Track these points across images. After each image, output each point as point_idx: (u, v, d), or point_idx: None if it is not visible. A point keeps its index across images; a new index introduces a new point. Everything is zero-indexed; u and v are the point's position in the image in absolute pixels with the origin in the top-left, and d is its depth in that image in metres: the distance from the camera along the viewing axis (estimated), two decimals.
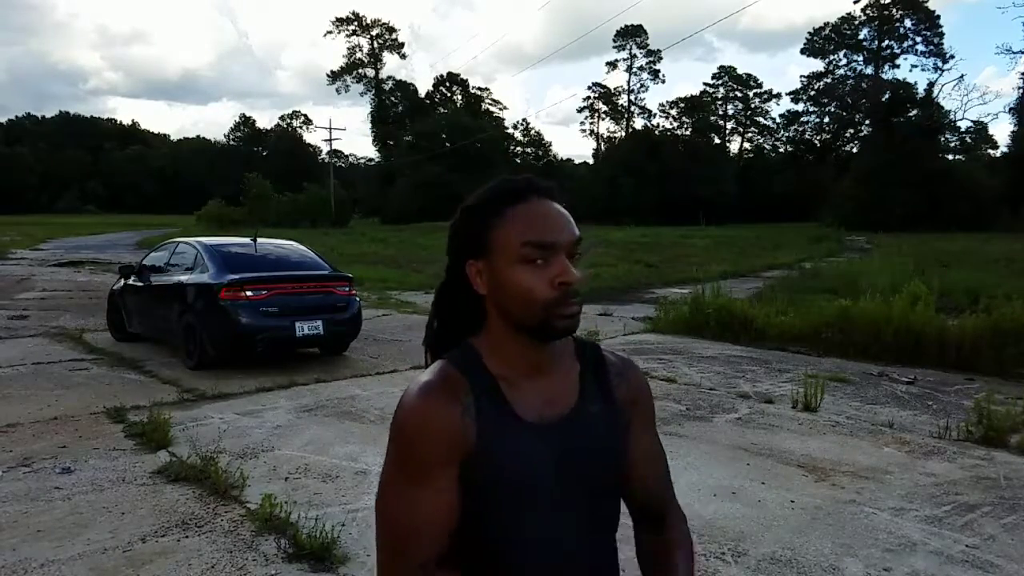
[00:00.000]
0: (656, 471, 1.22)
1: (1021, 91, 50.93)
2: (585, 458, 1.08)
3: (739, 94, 78.94)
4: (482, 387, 1.05)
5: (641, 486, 1.20)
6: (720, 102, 79.38)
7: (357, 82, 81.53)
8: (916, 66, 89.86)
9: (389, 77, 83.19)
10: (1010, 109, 52.36)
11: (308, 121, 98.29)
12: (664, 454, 1.25)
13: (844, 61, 68.20)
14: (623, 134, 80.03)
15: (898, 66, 65.16)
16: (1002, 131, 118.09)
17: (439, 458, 1.00)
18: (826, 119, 73.26)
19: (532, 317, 1.02)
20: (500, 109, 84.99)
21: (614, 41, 78.15)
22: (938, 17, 61.55)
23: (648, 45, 77.63)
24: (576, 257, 1.04)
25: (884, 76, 62.36)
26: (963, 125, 58.48)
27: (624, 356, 1.23)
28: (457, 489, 1.02)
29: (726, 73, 79.24)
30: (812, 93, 72.17)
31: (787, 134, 77.65)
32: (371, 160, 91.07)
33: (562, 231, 1.03)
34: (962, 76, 74.74)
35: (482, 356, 1.08)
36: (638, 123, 79.54)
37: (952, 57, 60.09)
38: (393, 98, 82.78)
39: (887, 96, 56.45)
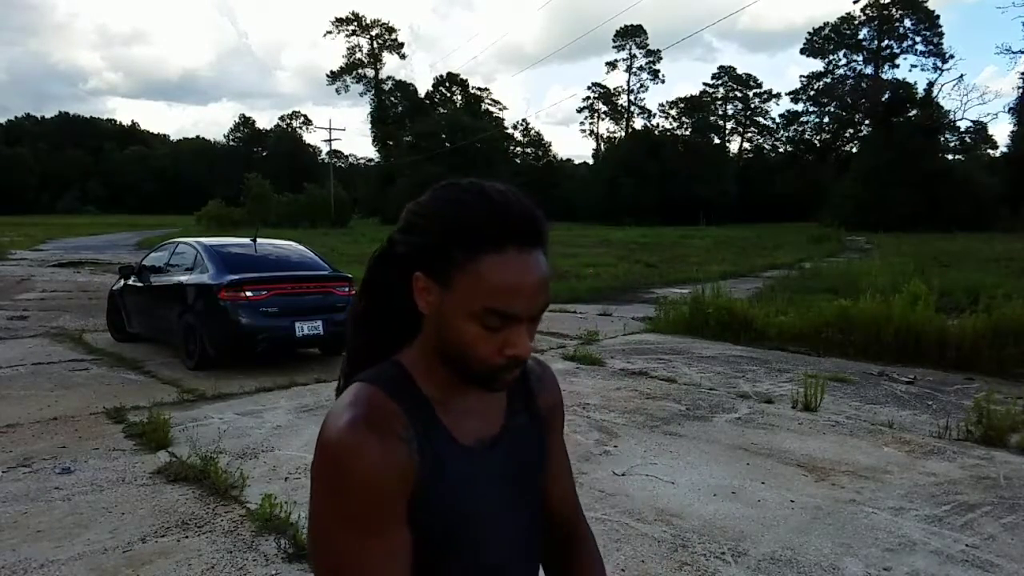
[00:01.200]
0: (571, 480, 1.18)
1: (1021, 91, 51.07)
2: (522, 479, 1.02)
3: (739, 94, 79.06)
4: (418, 414, 0.93)
5: (560, 498, 1.14)
6: (720, 102, 79.49)
7: (357, 82, 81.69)
8: (916, 66, 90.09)
9: (389, 77, 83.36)
10: (1010, 109, 52.51)
11: (308, 121, 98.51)
12: (568, 460, 1.19)
13: (844, 61, 68.34)
14: (623, 134, 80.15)
15: (898, 66, 65.45)
16: (1002, 131, 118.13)
17: (390, 499, 0.88)
18: (826, 119, 73.39)
19: (468, 370, 0.92)
20: (500, 109, 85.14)
21: (614, 41, 78.38)
22: (938, 17, 61.73)
23: (648, 45, 77.90)
24: (536, 321, 0.92)
25: (884, 76, 62.48)
26: (963, 125, 58.59)
27: (538, 357, 1.15)
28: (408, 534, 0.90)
29: (726, 73, 79.37)
30: (812, 93, 72.26)
31: (787, 134, 77.81)
32: (371, 160, 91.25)
33: (532, 301, 0.88)
34: (962, 76, 74.96)
35: (414, 377, 0.95)
36: (638, 123, 79.80)
37: (952, 57, 60.35)
38: (393, 98, 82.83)
39: (887, 96, 56.51)
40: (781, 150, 79.02)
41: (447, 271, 0.88)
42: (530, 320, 0.90)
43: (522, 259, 0.87)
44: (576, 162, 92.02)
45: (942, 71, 59.05)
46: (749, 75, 79.16)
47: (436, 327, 0.92)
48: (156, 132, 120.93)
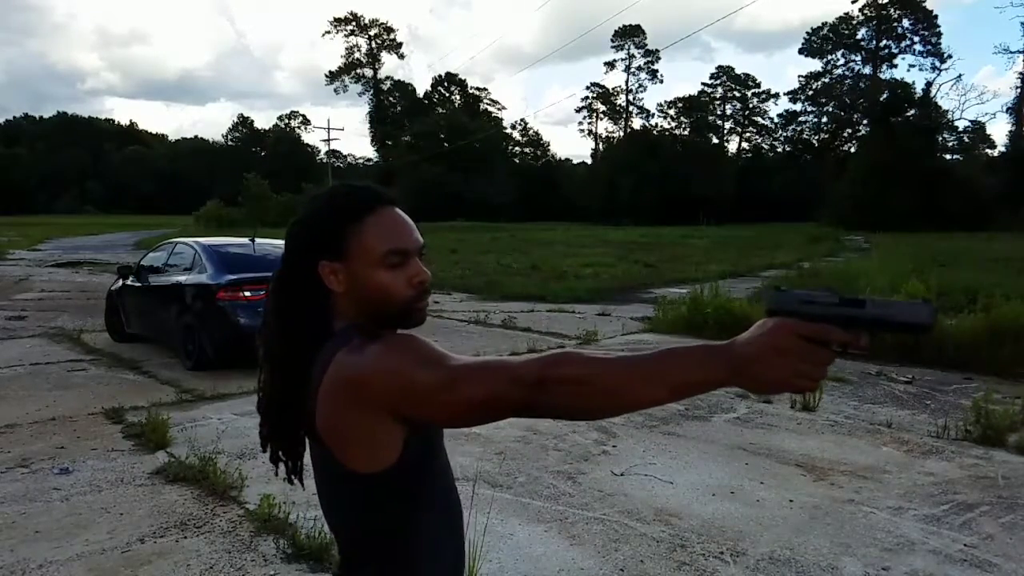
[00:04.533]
0: None
1: (1019, 91, 51.08)
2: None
3: (737, 94, 78.99)
4: None
5: None
6: (718, 102, 79.41)
7: (355, 82, 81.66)
8: (914, 66, 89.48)
9: (387, 77, 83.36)
10: (1008, 109, 52.53)
11: (306, 121, 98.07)
12: None
13: (842, 61, 68.40)
14: (621, 134, 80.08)
15: (896, 66, 65.38)
16: (1000, 131, 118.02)
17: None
18: (824, 119, 73.34)
19: (392, 312, 1.14)
20: (498, 109, 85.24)
21: (612, 41, 78.29)
22: (936, 17, 61.80)
23: (646, 45, 77.77)
24: (423, 258, 1.18)
25: (882, 76, 62.56)
26: (961, 125, 58.61)
27: None
28: None
29: (724, 73, 79.30)
30: (810, 93, 72.27)
31: (785, 134, 77.73)
32: (370, 160, 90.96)
33: (414, 238, 1.17)
34: (960, 76, 75.29)
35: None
36: (636, 123, 79.72)
37: (950, 57, 60.43)
38: (391, 98, 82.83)
39: (885, 96, 56.52)
40: (779, 150, 78.98)
41: (342, 245, 1.13)
42: (419, 253, 1.17)
43: (390, 211, 1.17)
44: (575, 162, 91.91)
45: (940, 71, 59.19)
46: (747, 75, 79.17)
47: (352, 293, 1.14)
48: (154, 132, 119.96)
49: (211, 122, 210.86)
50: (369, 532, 1.16)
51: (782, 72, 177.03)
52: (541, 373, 0.97)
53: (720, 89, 79.23)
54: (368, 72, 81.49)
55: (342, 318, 1.15)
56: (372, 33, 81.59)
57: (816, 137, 75.02)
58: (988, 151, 61.27)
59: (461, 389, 1.00)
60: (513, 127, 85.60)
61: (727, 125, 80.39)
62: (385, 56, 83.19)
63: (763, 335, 0.93)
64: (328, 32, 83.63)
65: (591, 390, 0.96)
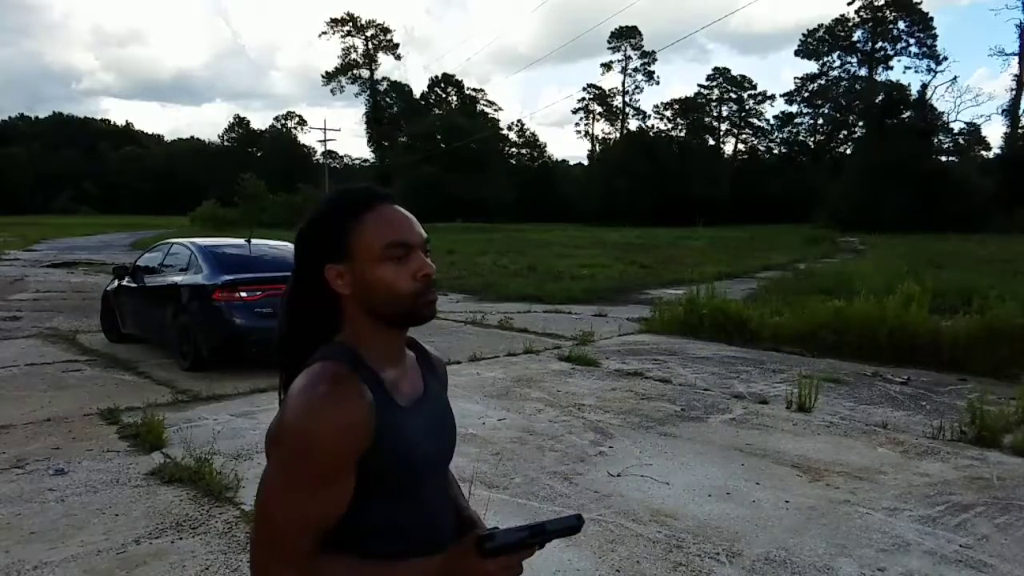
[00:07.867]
0: None
1: (1013, 92, 51.28)
2: (445, 432, 1.26)
3: (733, 95, 79.12)
4: (370, 382, 1.11)
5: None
6: (714, 103, 79.56)
7: (352, 83, 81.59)
8: (910, 68, 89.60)
9: (384, 78, 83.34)
10: (1003, 111, 52.75)
11: (303, 122, 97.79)
12: None
13: (838, 63, 68.63)
14: (618, 135, 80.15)
15: (891, 68, 65.60)
16: (995, 132, 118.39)
17: (352, 456, 1.06)
18: (820, 120, 73.57)
19: (399, 308, 1.14)
20: (495, 110, 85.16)
21: (608, 42, 78.41)
22: (931, 19, 62.05)
23: (642, 47, 77.89)
24: (428, 254, 1.18)
25: (878, 78, 62.75)
26: (956, 127, 58.81)
27: (431, 348, 1.38)
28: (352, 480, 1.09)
29: (720, 75, 79.43)
30: (806, 95, 72.49)
31: (781, 135, 77.97)
32: (366, 161, 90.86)
33: (415, 231, 1.17)
34: (955, 78, 75.61)
35: (359, 353, 1.14)
36: (633, 124, 79.80)
37: (945, 59, 60.69)
38: (388, 99, 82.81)
39: (881, 97, 56.64)
40: (775, 151, 79.17)
41: (344, 246, 1.13)
42: (422, 248, 1.17)
43: (389, 207, 1.17)
44: (571, 163, 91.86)
45: (936, 73, 59.45)
46: (743, 76, 79.29)
47: (358, 294, 1.14)
48: (150, 132, 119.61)
49: (207, 122, 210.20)
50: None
51: (778, 74, 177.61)
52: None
53: (716, 91, 79.38)
54: (365, 73, 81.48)
55: (351, 321, 1.17)
56: (369, 34, 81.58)
57: (812, 139, 75.22)
58: (983, 153, 61.48)
59: (259, 529, 1.08)
60: (510, 128, 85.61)
61: (723, 127, 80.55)
62: (382, 57, 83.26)
63: None
64: (324, 33, 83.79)
65: None
